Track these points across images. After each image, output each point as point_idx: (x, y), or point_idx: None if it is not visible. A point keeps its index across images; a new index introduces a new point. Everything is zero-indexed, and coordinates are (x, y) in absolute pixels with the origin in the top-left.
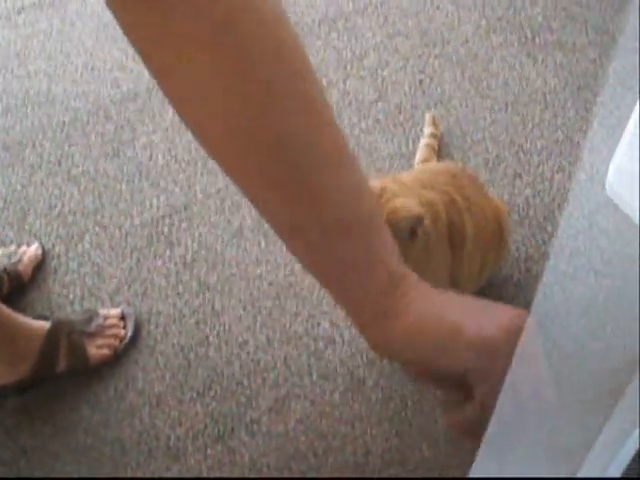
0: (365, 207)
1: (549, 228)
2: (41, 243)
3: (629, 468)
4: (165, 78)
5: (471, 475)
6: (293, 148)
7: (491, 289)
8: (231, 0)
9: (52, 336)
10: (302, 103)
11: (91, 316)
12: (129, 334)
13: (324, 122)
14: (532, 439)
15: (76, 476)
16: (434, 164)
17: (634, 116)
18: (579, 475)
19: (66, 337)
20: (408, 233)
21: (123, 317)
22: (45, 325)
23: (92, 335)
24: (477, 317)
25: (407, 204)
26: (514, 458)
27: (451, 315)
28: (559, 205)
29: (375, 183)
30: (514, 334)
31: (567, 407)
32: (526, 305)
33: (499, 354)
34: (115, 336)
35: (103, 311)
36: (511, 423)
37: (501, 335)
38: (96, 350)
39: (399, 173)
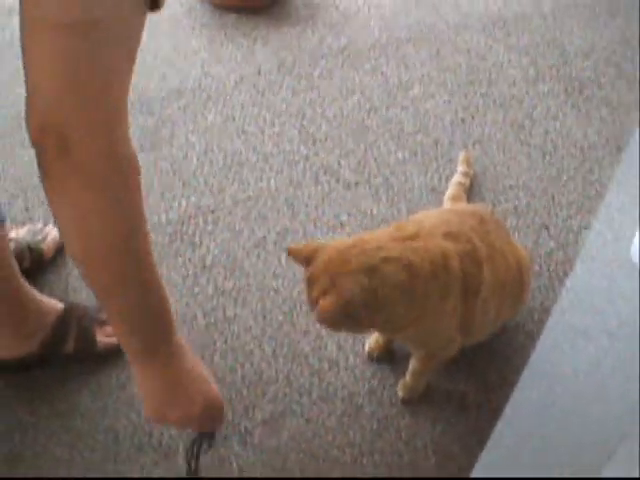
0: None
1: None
2: None
3: None
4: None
5: None
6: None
7: (502, 336)
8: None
9: (65, 316)
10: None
11: None
12: None
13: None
14: None
15: (67, 458)
16: (463, 205)
17: None
18: None
19: (77, 321)
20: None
21: None
22: (58, 305)
23: (103, 323)
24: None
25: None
26: None
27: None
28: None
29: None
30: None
31: (559, 464)
32: None
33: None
34: None
35: None
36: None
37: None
38: (105, 338)
39: (429, 210)
